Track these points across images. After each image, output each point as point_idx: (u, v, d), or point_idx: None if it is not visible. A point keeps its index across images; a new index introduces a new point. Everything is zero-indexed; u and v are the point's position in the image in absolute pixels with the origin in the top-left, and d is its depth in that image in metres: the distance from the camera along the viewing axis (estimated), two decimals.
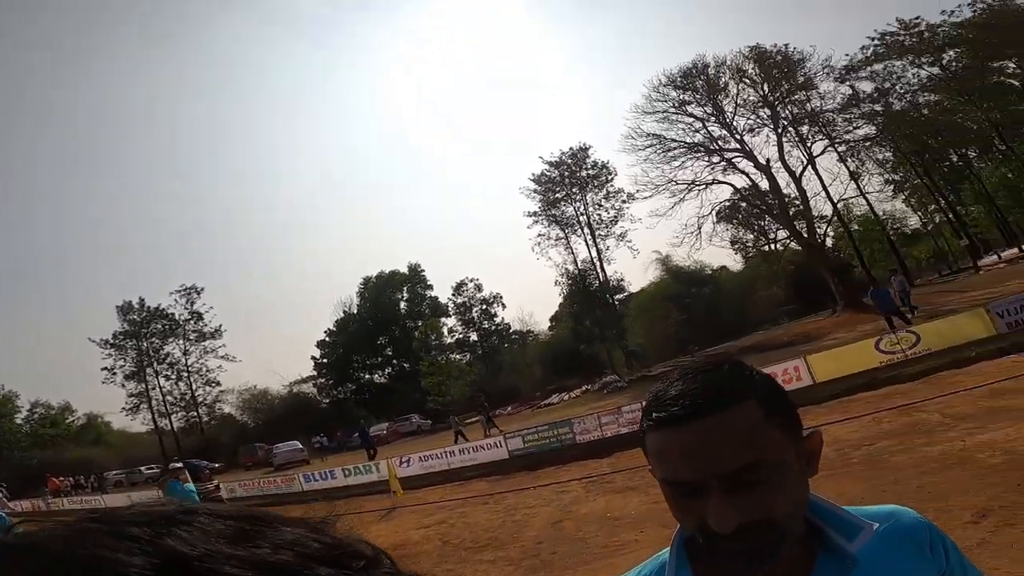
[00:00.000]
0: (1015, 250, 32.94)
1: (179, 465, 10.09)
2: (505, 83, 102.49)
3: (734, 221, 42.99)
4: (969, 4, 35.08)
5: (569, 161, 46.46)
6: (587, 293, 46.23)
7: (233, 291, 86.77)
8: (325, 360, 56.49)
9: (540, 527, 6.81)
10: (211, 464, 35.82)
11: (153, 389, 51.63)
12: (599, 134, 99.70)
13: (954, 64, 36.83)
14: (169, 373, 52.48)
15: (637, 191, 35.86)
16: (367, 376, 57.65)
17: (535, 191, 46.98)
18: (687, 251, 48.68)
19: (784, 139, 33.26)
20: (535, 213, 47.03)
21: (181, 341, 52.90)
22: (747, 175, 33.58)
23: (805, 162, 34.08)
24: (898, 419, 7.40)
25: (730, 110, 33.76)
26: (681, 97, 33.99)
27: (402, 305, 57.97)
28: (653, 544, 5.35)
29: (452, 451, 14.56)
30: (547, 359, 49.87)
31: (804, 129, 34.29)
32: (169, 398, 51.94)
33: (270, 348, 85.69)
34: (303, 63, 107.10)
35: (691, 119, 34.01)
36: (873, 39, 36.24)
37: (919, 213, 48.84)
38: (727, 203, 36.00)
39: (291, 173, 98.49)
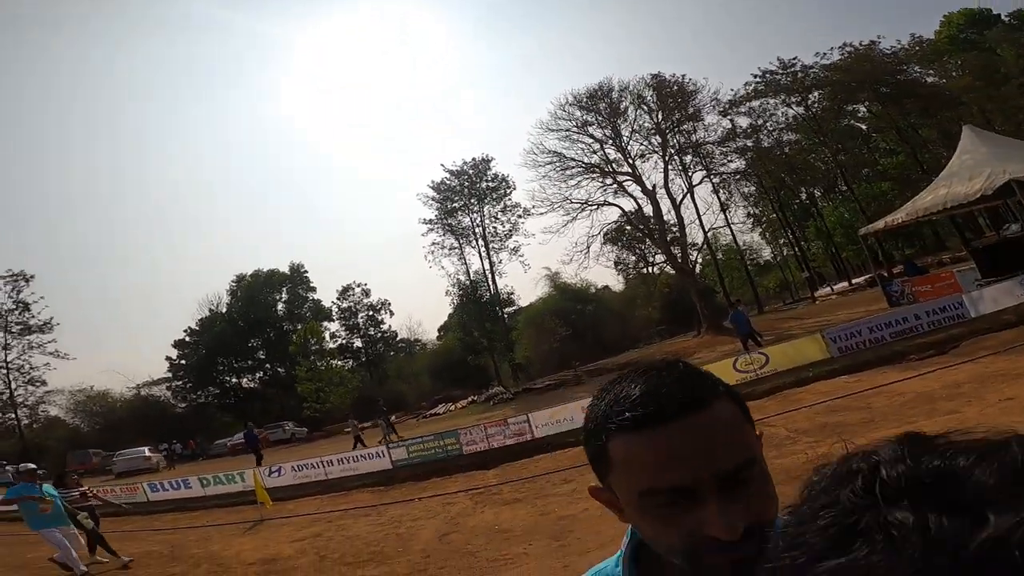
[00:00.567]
0: (845, 283, 38.28)
1: (31, 466, 8.76)
2: (410, 86, 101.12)
3: (619, 243, 45.80)
4: (839, 47, 40.19)
5: (470, 171, 46.67)
6: (478, 304, 46.48)
7: (74, 283, 76.34)
8: (183, 361, 51.37)
9: (427, 540, 6.62)
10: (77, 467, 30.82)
11: None
12: (500, 148, 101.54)
13: (816, 105, 41.76)
14: None
15: (533, 207, 36.88)
16: (234, 380, 53.29)
17: (433, 199, 46.68)
18: (575, 269, 50.82)
19: (670, 167, 35.94)
20: (431, 221, 46.68)
21: (1, 334, 45.40)
22: (635, 199, 35.72)
23: (685, 190, 37.08)
24: None
25: (626, 134, 35.76)
26: (584, 118, 35.55)
27: (280, 306, 54.47)
28: (542, 556, 5.47)
29: (330, 460, 13.79)
30: (434, 369, 49.41)
31: (688, 159, 37.39)
32: None
33: (115, 347, 76.22)
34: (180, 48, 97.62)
35: (591, 140, 35.62)
36: (756, 76, 40.83)
37: (771, 246, 54.98)
38: (614, 225, 38.04)
39: (158, 161, 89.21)
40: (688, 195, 37.42)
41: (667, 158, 35.65)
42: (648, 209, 35.65)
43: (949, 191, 15.33)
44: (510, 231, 46.49)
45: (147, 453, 29.86)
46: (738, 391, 0.66)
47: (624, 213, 36.42)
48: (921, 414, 6.92)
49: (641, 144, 35.95)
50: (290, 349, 47.00)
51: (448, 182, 46.84)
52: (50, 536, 7.31)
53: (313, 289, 55.25)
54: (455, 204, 46.75)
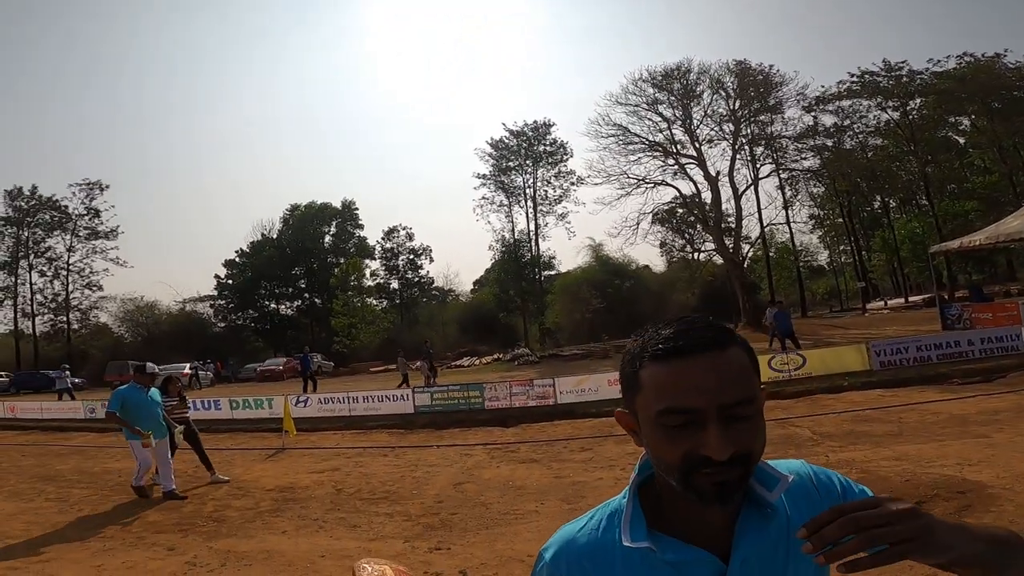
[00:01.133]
0: (901, 300, 36.57)
1: (153, 369, 8.33)
2: (476, 42, 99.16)
3: (669, 225, 44.68)
4: (957, 56, 37.10)
5: (530, 133, 46.37)
6: (517, 263, 46.63)
7: (141, 195, 79.83)
8: (230, 281, 53.38)
9: (441, 486, 6.77)
10: (114, 377, 31.48)
11: (23, 284, 46.32)
12: (561, 113, 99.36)
13: (914, 112, 38.99)
14: (46, 269, 47.18)
15: (589, 176, 36.39)
16: (273, 305, 55.08)
17: (490, 155, 46.63)
18: (620, 243, 50.23)
19: (738, 156, 34.59)
20: (485, 176, 46.71)
21: (68, 236, 47.50)
22: (695, 182, 34.72)
23: (749, 182, 35.68)
24: (775, 431, 8.05)
25: (697, 118, 34.59)
26: (656, 95, 34.52)
27: (327, 239, 55.67)
28: (553, 516, 5.53)
29: (355, 397, 14.10)
30: (464, 321, 49.96)
31: (759, 150, 35.74)
32: (39, 297, 46.85)
33: (172, 260, 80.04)
34: None
35: (659, 118, 34.65)
36: (853, 75, 38.14)
37: (830, 250, 52.69)
38: (667, 206, 37.19)
39: (238, 89, 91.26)
40: (752, 187, 36.04)
41: (736, 147, 34.40)
42: (707, 195, 34.70)
43: None
44: (560, 197, 46.13)
45: (187, 370, 30.07)
46: (751, 347, 0.78)
47: (680, 195, 35.58)
48: (950, 434, 6.72)
49: (711, 129, 34.85)
50: (330, 282, 48.25)
51: (506, 141, 46.56)
52: (140, 451, 6.96)
53: (361, 226, 56.25)
54: (510, 163, 46.53)
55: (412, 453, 9.15)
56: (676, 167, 34.50)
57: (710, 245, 40.06)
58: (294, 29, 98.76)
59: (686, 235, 47.44)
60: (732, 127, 34.35)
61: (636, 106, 34.56)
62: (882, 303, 37.72)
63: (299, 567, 4.62)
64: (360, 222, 56.18)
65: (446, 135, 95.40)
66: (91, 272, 48.08)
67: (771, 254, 42.14)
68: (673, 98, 34.46)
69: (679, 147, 34.49)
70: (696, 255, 47.85)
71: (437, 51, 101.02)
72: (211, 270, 74.54)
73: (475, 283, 59.48)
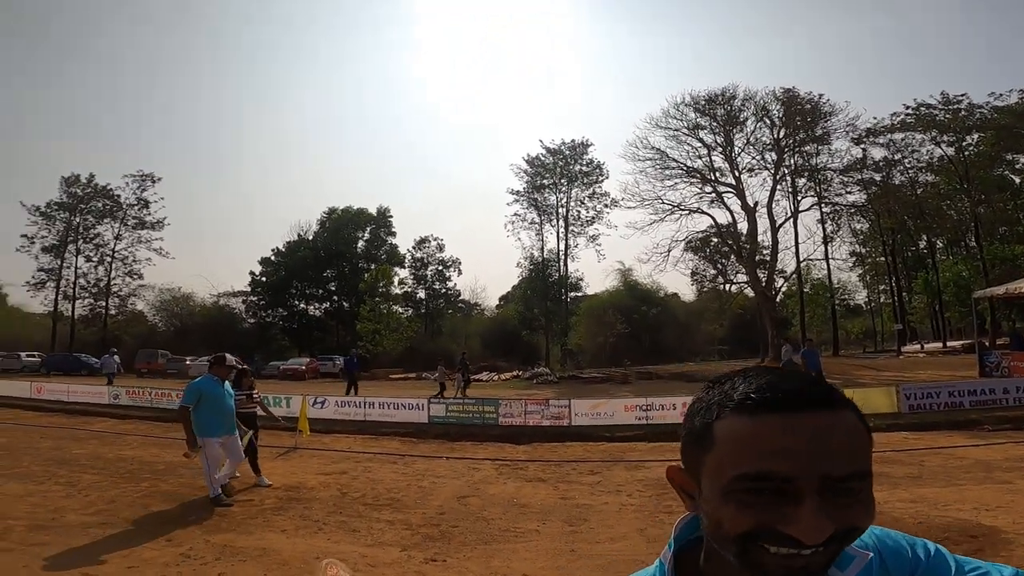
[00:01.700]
0: (939, 344, 35.15)
1: (233, 361, 7.32)
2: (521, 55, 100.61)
3: (701, 254, 43.99)
4: (1020, 90, 34.88)
5: (567, 152, 46.43)
6: (545, 282, 46.55)
7: (191, 186, 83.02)
8: (264, 279, 54.67)
9: (445, 498, 6.71)
10: (142, 365, 32.93)
11: (68, 268, 48.65)
12: (590, 130, 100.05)
13: (970, 148, 36.92)
14: (92, 254, 49.54)
15: (623, 199, 36.17)
16: (302, 305, 56.11)
17: (525, 171, 46.88)
18: (650, 269, 49.64)
19: (778, 187, 33.77)
20: (519, 192, 46.99)
21: (117, 224, 49.91)
22: (731, 212, 34.07)
23: (789, 214, 34.73)
24: None
25: (739, 145, 33.94)
26: (697, 120, 34.04)
27: (360, 244, 56.65)
28: (553, 537, 5.40)
29: (371, 403, 14.17)
30: (487, 336, 50.03)
31: (801, 181, 34.70)
32: (82, 281, 49.08)
33: (211, 254, 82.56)
34: None
35: (699, 144, 34.13)
36: (908, 107, 36.61)
37: (868, 290, 50.94)
38: (701, 234, 36.56)
39: (287, 96, 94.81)
40: (791, 220, 35.08)
41: (778, 177, 33.56)
42: (743, 225, 34.03)
43: None
44: (593, 218, 46.02)
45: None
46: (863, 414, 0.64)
47: (715, 224, 34.92)
48: (972, 479, 6.49)
49: (752, 158, 34.14)
50: (359, 286, 48.96)
51: (543, 158, 46.82)
52: (211, 449, 6.48)
53: (393, 234, 57.06)
54: (545, 181, 46.68)
55: (421, 463, 9.10)
56: (713, 195, 34.01)
57: (743, 277, 39.18)
58: (327, 34, 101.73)
59: (718, 265, 46.70)
60: (775, 156, 33.64)
61: (676, 130, 34.26)
62: (918, 346, 36.34)
63: (293, 567, 4.61)
64: (393, 229, 57.10)
65: (471, 135, 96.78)
66: (134, 260, 50.43)
67: (806, 290, 41.02)
68: (715, 124, 33.94)
69: (718, 174, 34.01)
70: (728, 286, 47.06)
71: (463, 50, 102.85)
72: (247, 267, 76.68)
73: (501, 299, 59.69)
